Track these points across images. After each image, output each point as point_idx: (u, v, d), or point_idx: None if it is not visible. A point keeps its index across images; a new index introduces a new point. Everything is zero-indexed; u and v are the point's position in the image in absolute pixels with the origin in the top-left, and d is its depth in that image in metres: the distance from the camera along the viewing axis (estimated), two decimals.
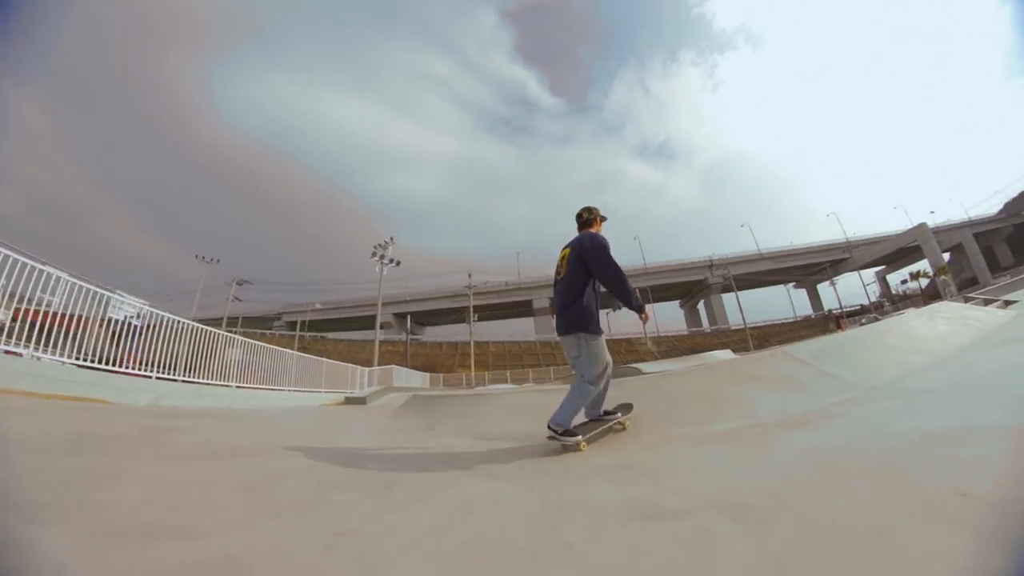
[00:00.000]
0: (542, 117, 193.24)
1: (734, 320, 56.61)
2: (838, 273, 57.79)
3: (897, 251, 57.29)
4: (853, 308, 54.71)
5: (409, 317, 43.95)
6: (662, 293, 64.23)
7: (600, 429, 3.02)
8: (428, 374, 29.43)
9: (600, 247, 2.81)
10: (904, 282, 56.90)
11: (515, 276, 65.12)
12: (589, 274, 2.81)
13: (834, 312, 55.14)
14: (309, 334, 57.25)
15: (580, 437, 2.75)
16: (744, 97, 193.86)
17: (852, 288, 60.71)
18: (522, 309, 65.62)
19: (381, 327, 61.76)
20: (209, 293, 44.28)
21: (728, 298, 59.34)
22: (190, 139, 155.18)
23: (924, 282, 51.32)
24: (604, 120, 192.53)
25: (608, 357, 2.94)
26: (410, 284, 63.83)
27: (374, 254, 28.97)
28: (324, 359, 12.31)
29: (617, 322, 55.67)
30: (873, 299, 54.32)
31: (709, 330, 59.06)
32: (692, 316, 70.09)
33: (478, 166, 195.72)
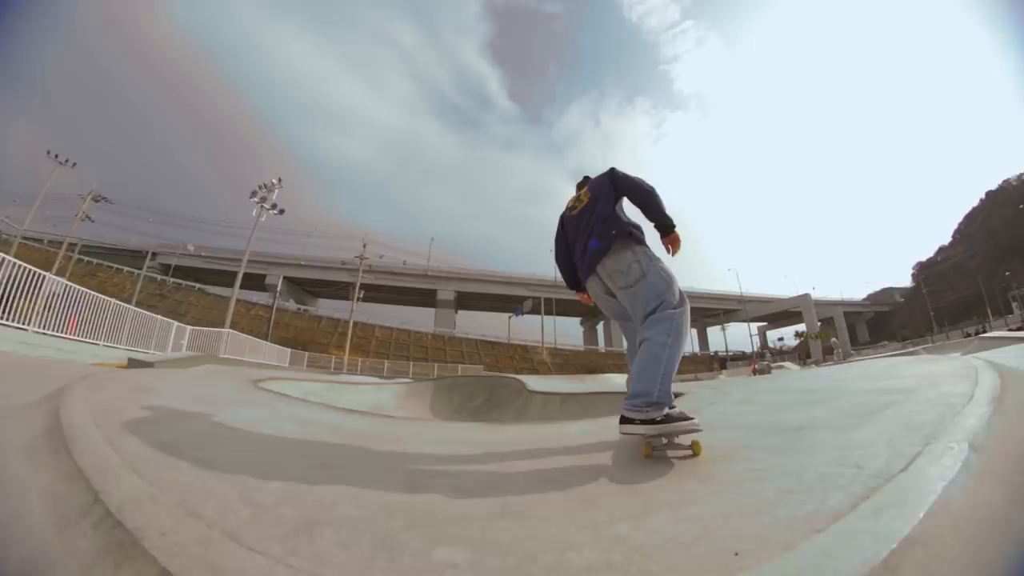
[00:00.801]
0: (493, 117, 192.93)
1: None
2: (728, 321, 65.14)
3: (781, 312, 67.66)
4: (736, 353, 61.88)
5: (282, 280, 38.90)
6: (566, 308, 65.88)
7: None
8: (290, 350, 25.77)
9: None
10: (781, 339, 66.89)
11: (424, 262, 62.35)
12: (619, 197, 2.21)
13: (719, 354, 61.87)
14: (173, 280, 49.93)
15: (696, 421, 1.71)
16: (680, 154, 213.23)
17: (735, 336, 70.17)
18: (425, 298, 63.13)
19: (266, 290, 56.08)
20: (68, 206, 35.90)
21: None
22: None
23: (799, 341, 59.90)
24: (552, 138, 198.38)
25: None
26: (308, 247, 58.21)
27: (253, 194, 25.08)
28: (111, 299, 9.30)
29: (515, 327, 55.58)
30: (755, 349, 61.72)
31: (604, 350, 61.76)
32: (590, 334, 73.62)
33: (416, 146, 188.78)
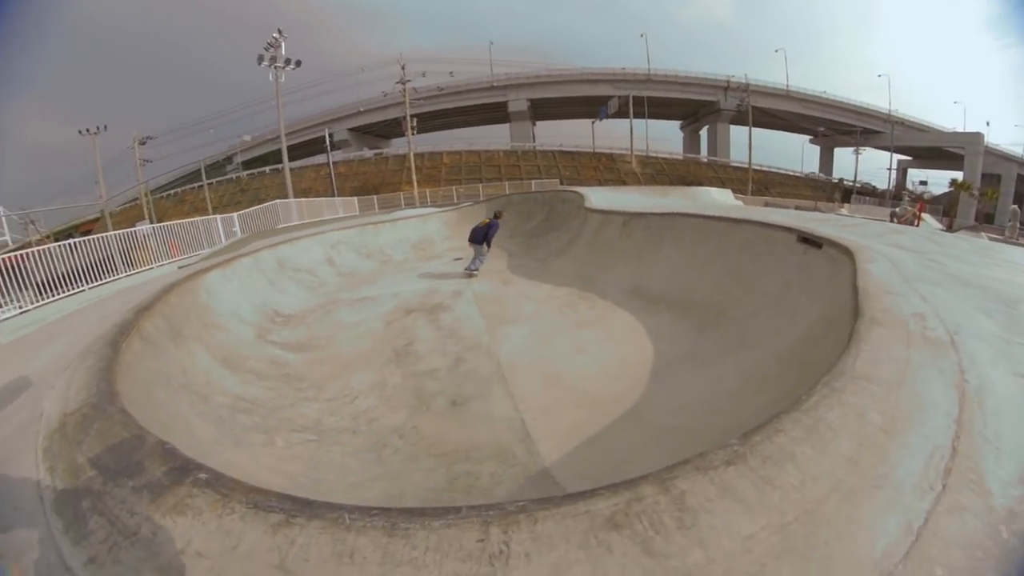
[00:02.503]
0: None
1: (737, 156, 52.32)
2: (864, 145, 51.87)
3: (934, 149, 53.01)
4: (865, 186, 51.01)
5: (328, 133, 37.17)
6: (662, 109, 57.09)
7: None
8: (356, 198, 25.76)
9: (496, 229, 9.80)
10: (924, 183, 51.41)
11: (487, 72, 55.64)
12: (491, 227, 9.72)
13: (844, 182, 52.04)
14: (246, 173, 52.65)
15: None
16: None
17: (867, 165, 55.51)
18: (497, 113, 58.36)
19: (338, 147, 55.88)
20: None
21: (737, 131, 53.88)
22: None
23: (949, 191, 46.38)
24: None
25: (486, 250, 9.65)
26: (368, 90, 54.55)
27: (260, 60, 24.00)
28: (152, 225, 9.46)
29: (600, 133, 50.35)
30: (890, 187, 50.44)
31: (706, 160, 54.86)
32: (691, 141, 64.50)
33: None
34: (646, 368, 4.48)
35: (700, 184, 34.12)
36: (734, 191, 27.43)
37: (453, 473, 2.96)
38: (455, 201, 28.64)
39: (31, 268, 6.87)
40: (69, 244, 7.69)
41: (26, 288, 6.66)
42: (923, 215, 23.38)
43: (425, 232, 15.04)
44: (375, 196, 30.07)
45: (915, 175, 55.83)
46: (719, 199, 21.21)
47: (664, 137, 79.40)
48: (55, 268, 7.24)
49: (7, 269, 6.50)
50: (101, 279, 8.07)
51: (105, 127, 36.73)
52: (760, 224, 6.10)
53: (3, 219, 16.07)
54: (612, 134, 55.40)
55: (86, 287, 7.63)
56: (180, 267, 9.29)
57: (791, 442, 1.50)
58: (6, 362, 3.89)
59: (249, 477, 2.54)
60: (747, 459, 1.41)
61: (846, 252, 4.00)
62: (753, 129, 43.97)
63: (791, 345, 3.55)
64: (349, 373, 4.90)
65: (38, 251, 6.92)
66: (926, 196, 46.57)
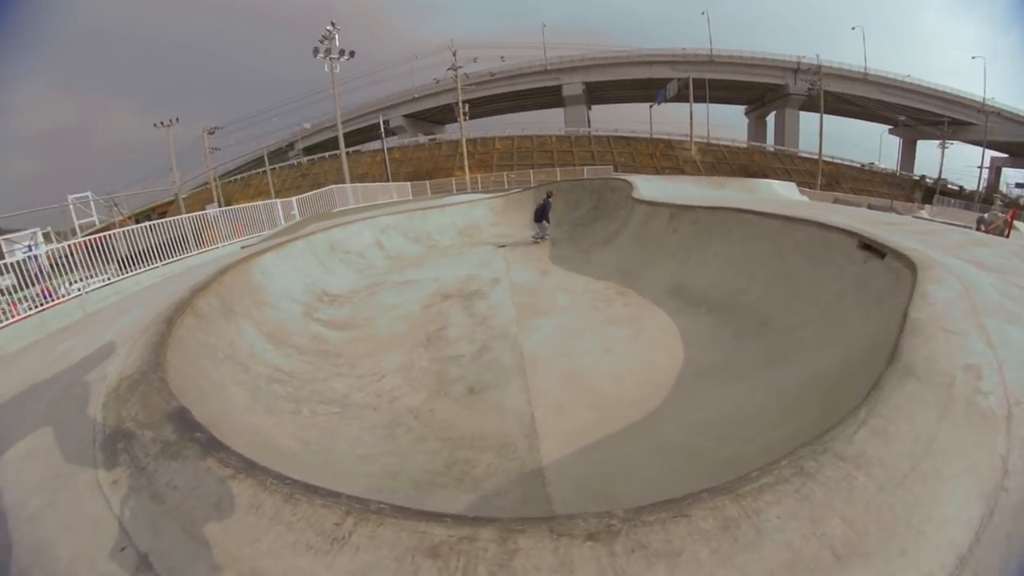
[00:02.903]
0: None
1: (806, 146, 48.63)
2: (952, 138, 45.87)
3: None
4: (946, 184, 45.62)
5: (382, 120, 37.97)
6: (726, 93, 53.73)
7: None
8: (410, 183, 26.55)
9: (550, 207, 12.75)
10: (1020, 185, 45.17)
11: (540, 55, 54.72)
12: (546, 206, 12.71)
13: (926, 180, 46.73)
14: (307, 158, 55.08)
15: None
16: None
17: (954, 161, 47.84)
18: (551, 97, 57.46)
19: (393, 133, 57.51)
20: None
21: (807, 118, 49.65)
22: None
23: None
24: None
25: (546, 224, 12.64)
26: (422, 78, 55.44)
27: (316, 52, 25.24)
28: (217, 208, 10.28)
29: (659, 118, 48.42)
30: (980, 189, 44.61)
31: (772, 149, 51.30)
32: (757, 128, 60.25)
33: None
34: (672, 375, 4.36)
35: (764, 175, 32.20)
36: (801, 185, 25.59)
37: (453, 458, 3.10)
38: (506, 187, 28.69)
39: (115, 245, 7.70)
40: (149, 226, 8.54)
41: (110, 262, 7.55)
42: (1016, 224, 20.28)
43: (472, 218, 15.32)
44: (428, 181, 30.74)
45: (1011, 176, 48.70)
46: (782, 193, 19.85)
47: (727, 123, 75.17)
48: (135, 245, 8.11)
49: (95, 247, 7.37)
50: (173, 256, 8.89)
51: (177, 119, 39.93)
52: (818, 225, 5.70)
53: (92, 203, 18.05)
54: (671, 119, 52.87)
55: (159, 264, 8.45)
56: (243, 247, 10.03)
57: (688, 535, 1.17)
58: (89, 329, 4.48)
59: (267, 439, 2.86)
60: (616, 539, 1.17)
61: (910, 266, 3.55)
62: (825, 116, 40.57)
63: (834, 366, 3.32)
64: (382, 353, 5.19)
65: (122, 231, 7.81)
66: (1022, 201, 41.00)
